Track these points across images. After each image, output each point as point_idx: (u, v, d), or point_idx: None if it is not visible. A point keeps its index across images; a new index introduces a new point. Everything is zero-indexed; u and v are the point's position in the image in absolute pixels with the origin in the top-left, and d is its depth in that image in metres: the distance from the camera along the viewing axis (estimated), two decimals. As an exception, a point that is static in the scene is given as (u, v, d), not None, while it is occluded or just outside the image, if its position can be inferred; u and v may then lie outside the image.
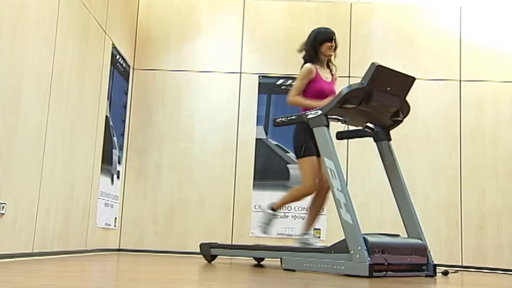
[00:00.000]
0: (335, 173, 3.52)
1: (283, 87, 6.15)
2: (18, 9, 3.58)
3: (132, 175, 6.07)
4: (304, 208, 5.92)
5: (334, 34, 4.11)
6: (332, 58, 4.16)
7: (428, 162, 6.01)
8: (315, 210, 4.12)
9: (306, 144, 3.89)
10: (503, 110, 6.07)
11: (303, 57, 4.13)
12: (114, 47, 5.49)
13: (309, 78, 4.00)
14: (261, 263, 4.47)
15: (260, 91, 6.20)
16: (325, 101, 3.81)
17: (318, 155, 3.84)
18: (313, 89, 4.00)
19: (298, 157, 4.00)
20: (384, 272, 3.28)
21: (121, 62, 5.79)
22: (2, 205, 3.46)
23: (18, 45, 3.60)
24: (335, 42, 4.11)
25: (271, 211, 4.19)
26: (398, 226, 3.92)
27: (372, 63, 3.58)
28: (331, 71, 4.16)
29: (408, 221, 3.80)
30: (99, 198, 5.24)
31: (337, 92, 4.05)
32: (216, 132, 6.16)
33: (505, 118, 6.05)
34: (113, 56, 5.46)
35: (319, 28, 4.15)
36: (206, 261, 4.47)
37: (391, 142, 3.97)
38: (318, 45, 4.06)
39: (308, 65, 4.04)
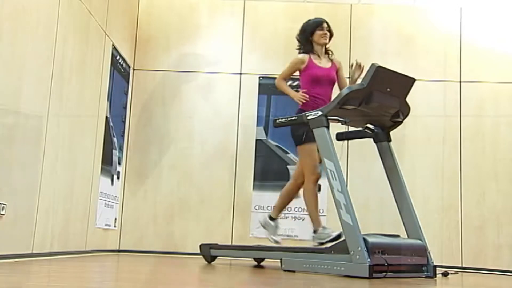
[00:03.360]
0: (335, 174, 3.52)
1: (283, 88, 6.15)
2: (18, 9, 3.58)
3: (132, 176, 6.07)
4: (303, 208, 5.92)
5: (325, 21, 4.23)
6: (327, 46, 4.27)
7: (428, 163, 6.01)
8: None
9: (307, 131, 3.92)
10: (503, 111, 6.07)
11: (298, 51, 4.25)
12: (114, 47, 5.49)
13: (297, 68, 4.19)
14: (261, 264, 4.47)
15: (260, 92, 6.20)
16: (298, 94, 4.06)
17: None
18: (306, 76, 4.15)
19: (298, 144, 4.06)
20: (384, 273, 3.28)
21: (121, 62, 5.79)
22: (2, 206, 3.45)
23: (18, 45, 3.60)
24: (328, 30, 4.22)
25: (272, 221, 4.28)
26: (398, 227, 3.92)
27: (372, 64, 3.59)
28: (331, 58, 4.27)
29: (408, 222, 3.80)
30: (99, 199, 5.24)
31: (340, 78, 4.27)
32: (216, 133, 6.15)
33: (505, 119, 6.04)
34: (113, 56, 5.46)
35: (308, 19, 4.27)
36: (206, 262, 4.47)
37: (391, 143, 3.97)
38: (310, 35, 4.20)
39: (299, 55, 4.19)
